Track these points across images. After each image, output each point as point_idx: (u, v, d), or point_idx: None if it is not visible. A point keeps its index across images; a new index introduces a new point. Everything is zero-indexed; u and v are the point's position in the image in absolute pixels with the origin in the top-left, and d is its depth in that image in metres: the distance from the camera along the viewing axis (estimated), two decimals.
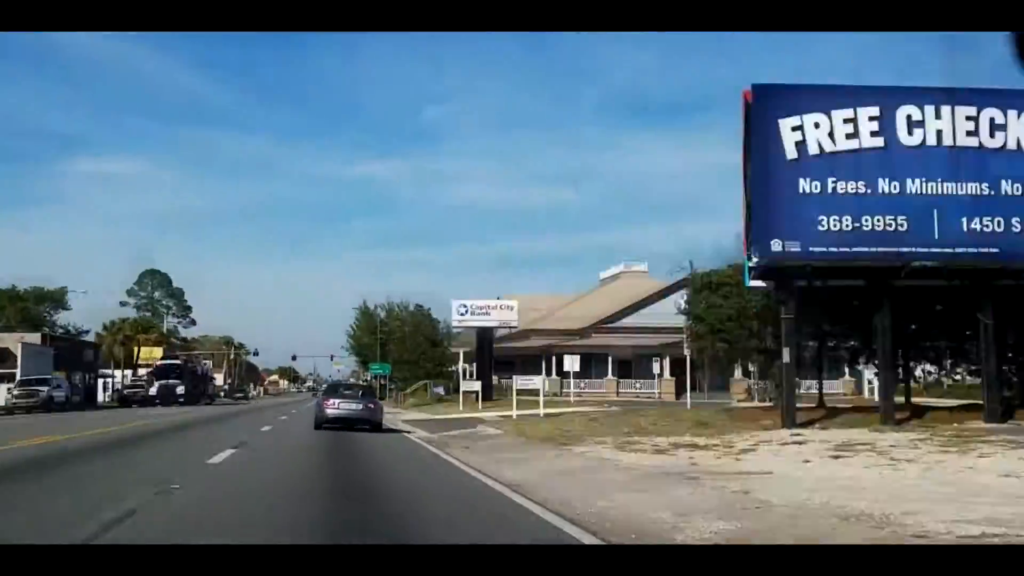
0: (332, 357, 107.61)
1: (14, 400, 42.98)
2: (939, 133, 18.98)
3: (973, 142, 18.92)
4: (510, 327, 50.83)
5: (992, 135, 18.91)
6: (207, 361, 79.92)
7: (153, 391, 57.98)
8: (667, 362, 48.01)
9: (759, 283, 21.51)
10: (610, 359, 55.02)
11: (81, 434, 19.06)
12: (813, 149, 19.13)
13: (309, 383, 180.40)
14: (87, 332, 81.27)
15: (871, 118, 19.12)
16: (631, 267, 65.88)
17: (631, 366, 54.37)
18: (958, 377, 37.30)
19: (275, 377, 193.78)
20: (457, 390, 50.11)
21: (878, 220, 18.84)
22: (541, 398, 32.74)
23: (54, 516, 6.94)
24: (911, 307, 21.55)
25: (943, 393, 37.22)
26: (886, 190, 18.99)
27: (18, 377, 47.48)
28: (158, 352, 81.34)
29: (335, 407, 23.40)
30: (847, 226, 18.85)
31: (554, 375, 53.28)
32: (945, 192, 18.91)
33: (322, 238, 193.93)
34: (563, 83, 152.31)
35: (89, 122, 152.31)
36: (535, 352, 56.67)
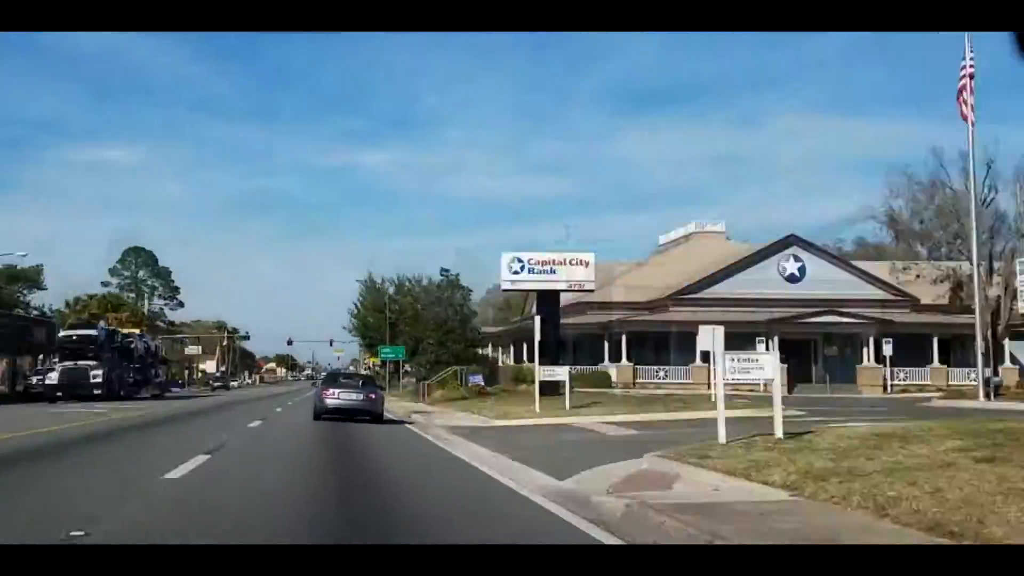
0: (331, 342, 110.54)
1: None
2: None
3: None
4: (581, 288, 40.34)
5: None
6: (151, 340, 65.01)
7: (53, 378, 41.40)
8: (775, 343, 38.10)
9: None
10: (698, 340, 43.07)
11: None
12: None
13: (308, 371, 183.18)
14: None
15: None
16: (705, 227, 57.40)
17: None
18: None
19: (272, 365, 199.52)
20: (489, 381, 45.08)
21: None
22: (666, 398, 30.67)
23: None
24: None
25: None
26: None
27: None
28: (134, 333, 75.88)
29: (335, 397, 24.14)
30: None
31: (624, 360, 47.17)
32: None
33: (322, 227, 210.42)
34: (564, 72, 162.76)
35: (83, 109, 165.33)
36: (594, 331, 48.01)
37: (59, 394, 39.03)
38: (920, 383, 46.50)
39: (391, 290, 68.03)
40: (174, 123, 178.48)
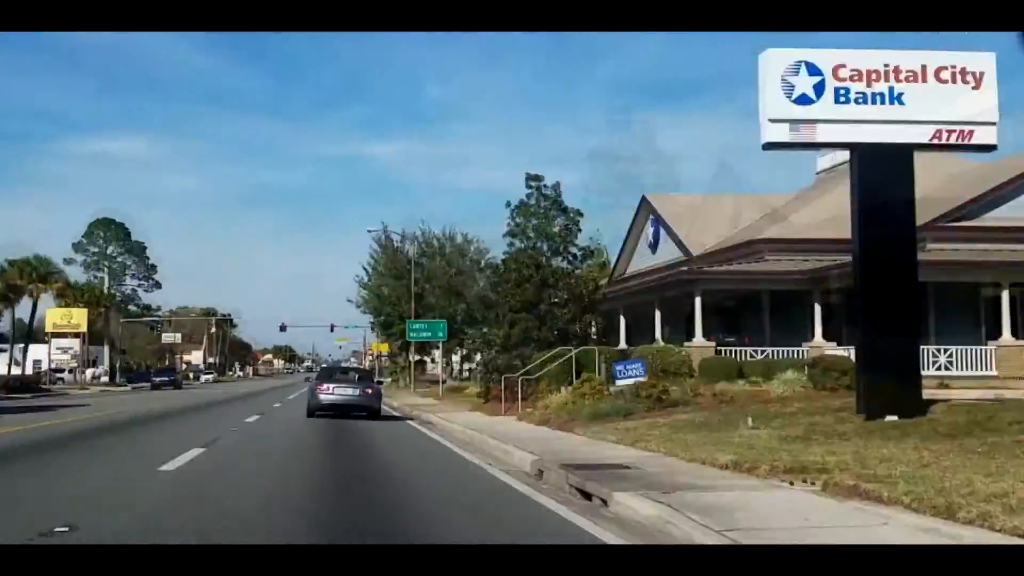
0: (332, 327, 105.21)
1: None
2: None
3: None
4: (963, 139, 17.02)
5: None
6: None
7: None
8: None
9: None
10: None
11: None
12: None
13: (307, 363, 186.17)
14: None
15: None
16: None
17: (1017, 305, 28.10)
18: None
19: (268, 356, 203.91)
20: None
21: None
22: None
23: None
24: None
25: None
26: None
27: None
28: (79, 315, 70.12)
29: (329, 392, 25.09)
30: None
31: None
32: None
33: (327, 218, 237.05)
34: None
35: (86, 101, 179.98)
36: (787, 284, 29.69)
37: None
38: None
39: (409, 250, 58.85)
40: (180, 115, 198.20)
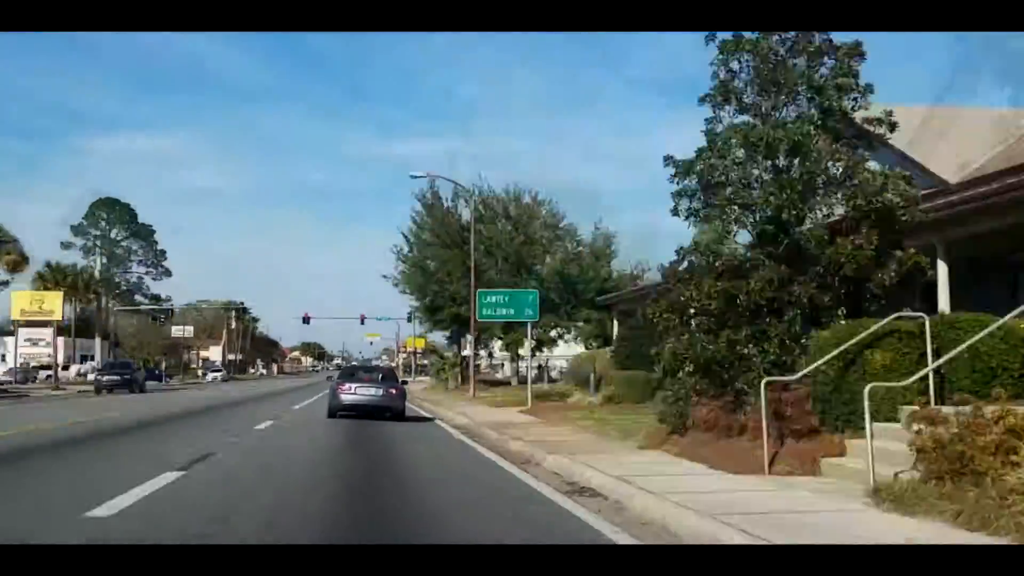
0: (363, 319, 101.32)
1: None
2: None
3: None
4: None
5: None
6: None
7: None
8: None
9: None
10: None
11: None
12: None
13: (337, 360, 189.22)
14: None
15: None
16: None
17: None
18: None
19: (296, 354, 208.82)
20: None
21: None
22: None
23: None
24: None
25: None
26: None
27: None
28: (52, 300, 62.38)
29: (351, 392, 26.06)
30: None
31: None
32: None
33: (360, 218, 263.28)
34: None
35: (115, 99, 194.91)
36: None
37: None
38: None
39: (464, 212, 50.31)
40: (211, 110, 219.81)
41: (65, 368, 71.77)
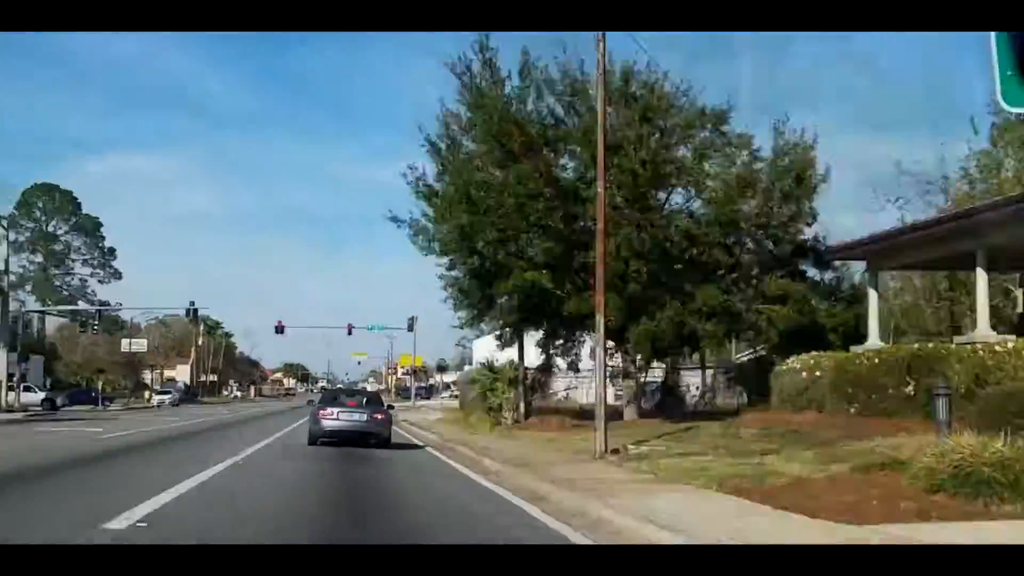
0: (350, 330, 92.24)
1: None
2: None
3: None
4: None
5: None
6: None
7: None
8: None
9: None
10: None
11: None
12: None
13: (321, 383, 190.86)
14: None
15: None
16: None
17: None
18: None
19: (278, 375, 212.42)
20: None
21: None
22: None
23: None
24: None
25: None
26: None
27: None
28: None
29: (333, 418, 26.75)
30: None
31: None
32: None
33: (343, 241, 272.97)
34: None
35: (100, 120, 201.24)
36: None
37: None
38: None
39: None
40: (196, 134, 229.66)
41: None
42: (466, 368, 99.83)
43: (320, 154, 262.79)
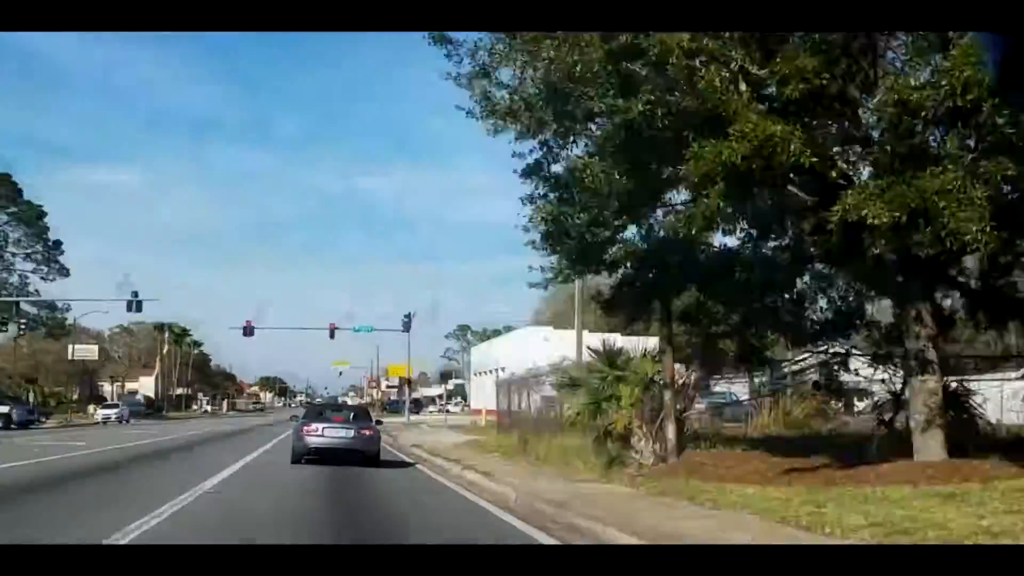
0: (332, 332, 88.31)
1: None
2: None
3: None
4: None
5: None
6: None
7: None
8: None
9: None
10: None
11: None
12: None
13: (300, 397, 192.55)
14: None
15: None
16: None
17: None
18: None
19: (255, 389, 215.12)
20: None
21: None
22: None
23: None
24: None
25: None
26: None
27: None
28: None
29: (318, 434, 27.33)
30: None
31: None
32: None
33: (319, 250, 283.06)
34: None
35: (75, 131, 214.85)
36: None
37: None
38: None
39: None
40: (172, 146, 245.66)
41: None
42: (467, 376, 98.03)
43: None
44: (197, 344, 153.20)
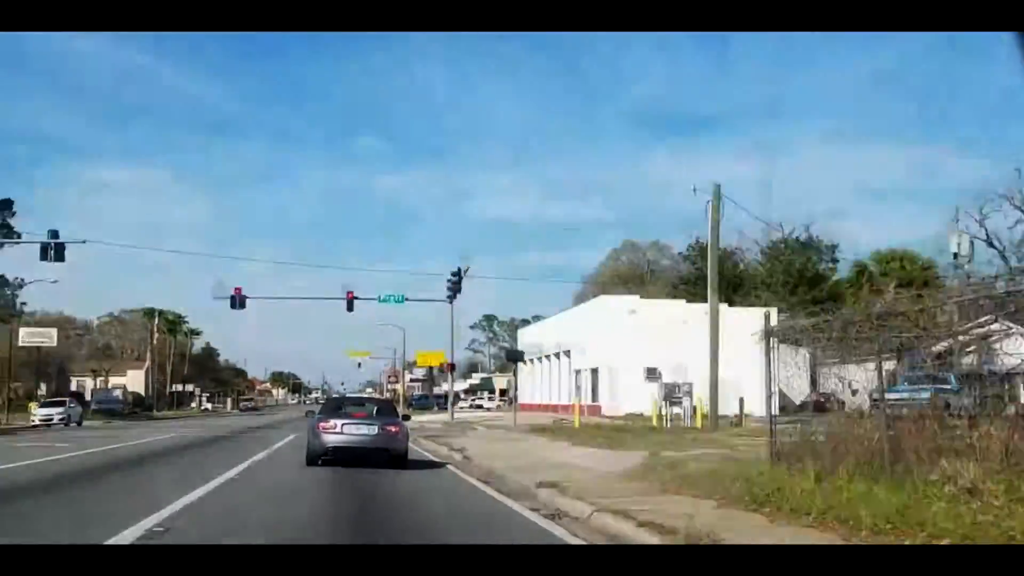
0: (350, 304, 76.37)
1: None
2: None
3: None
4: None
5: None
6: None
7: None
8: None
9: None
10: None
11: None
12: None
13: (315, 394, 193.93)
14: None
15: None
16: None
17: None
18: None
19: (266, 386, 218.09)
20: None
21: None
22: None
23: None
24: None
25: None
26: None
27: None
28: None
29: (337, 432, 26.76)
30: None
31: None
32: None
33: (336, 251, 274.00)
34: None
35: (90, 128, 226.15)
36: None
37: None
38: None
39: None
40: (182, 142, 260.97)
41: None
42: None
43: None
44: (194, 333, 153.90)
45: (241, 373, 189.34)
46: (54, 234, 60.78)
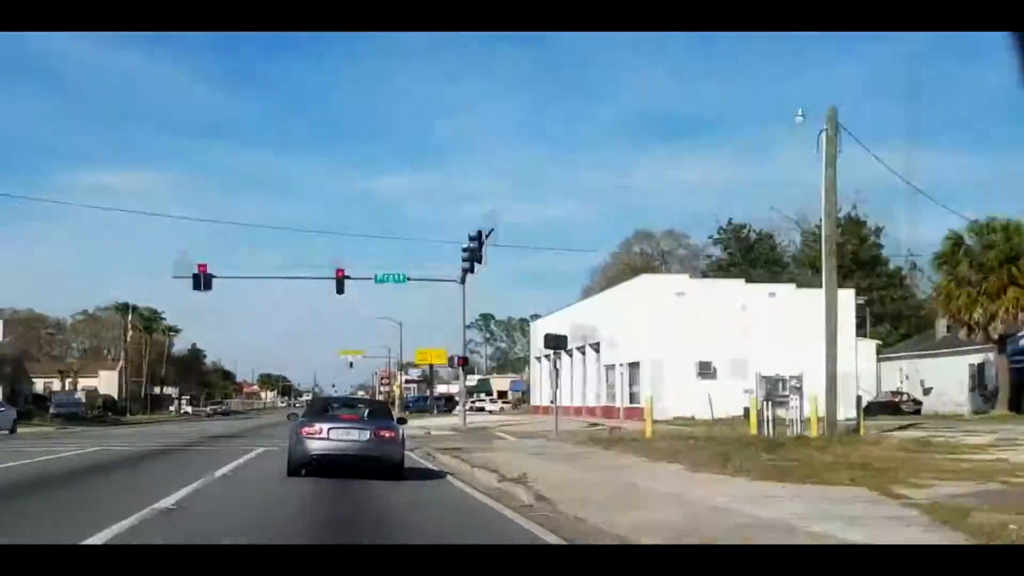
0: (341, 284, 69.24)
1: None
2: None
3: None
4: None
5: None
6: None
7: None
8: None
9: None
10: None
11: None
12: None
13: (305, 396, 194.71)
14: None
15: None
16: None
17: None
18: None
19: (255, 388, 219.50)
20: None
21: None
22: None
23: None
24: None
25: None
26: None
27: None
28: None
29: (322, 437, 25.29)
30: None
31: None
32: None
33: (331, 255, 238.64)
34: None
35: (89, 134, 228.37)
36: None
37: None
38: None
39: None
40: (182, 148, 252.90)
41: None
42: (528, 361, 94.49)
43: None
44: (173, 330, 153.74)
45: (228, 375, 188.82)
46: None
